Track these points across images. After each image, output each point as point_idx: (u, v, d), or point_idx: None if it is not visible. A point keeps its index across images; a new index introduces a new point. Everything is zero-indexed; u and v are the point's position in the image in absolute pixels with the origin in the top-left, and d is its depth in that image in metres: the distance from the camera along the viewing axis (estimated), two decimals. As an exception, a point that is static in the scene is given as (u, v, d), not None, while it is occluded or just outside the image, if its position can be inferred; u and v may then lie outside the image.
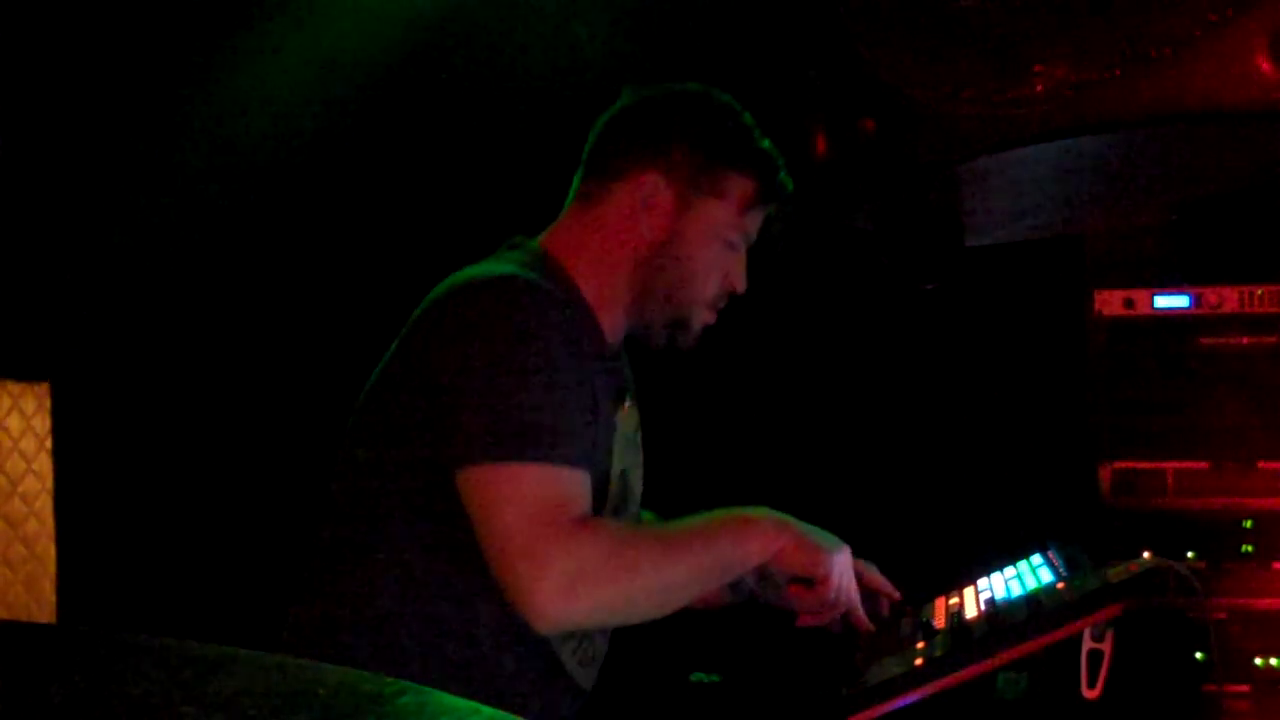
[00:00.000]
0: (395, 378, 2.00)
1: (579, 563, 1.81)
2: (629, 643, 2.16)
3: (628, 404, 2.17)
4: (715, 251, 2.12)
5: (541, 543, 1.81)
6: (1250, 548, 2.48)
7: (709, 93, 2.17)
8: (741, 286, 2.16)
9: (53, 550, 3.25)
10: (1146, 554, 2.03)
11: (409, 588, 1.94)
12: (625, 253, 2.09)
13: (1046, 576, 2.04)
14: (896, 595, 2.19)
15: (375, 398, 2.02)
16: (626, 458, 2.13)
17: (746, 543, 1.96)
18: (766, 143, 2.15)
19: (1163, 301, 2.57)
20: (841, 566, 2.02)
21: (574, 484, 1.89)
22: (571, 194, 2.16)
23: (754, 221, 2.16)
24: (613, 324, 2.12)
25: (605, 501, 2.03)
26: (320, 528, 2.04)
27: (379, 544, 1.96)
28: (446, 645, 1.93)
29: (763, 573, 2.15)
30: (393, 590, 1.95)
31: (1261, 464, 2.49)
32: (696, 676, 2.35)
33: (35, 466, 3.23)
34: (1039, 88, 2.25)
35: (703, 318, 2.15)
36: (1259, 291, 2.53)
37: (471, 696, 0.81)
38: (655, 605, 1.94)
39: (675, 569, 1.92)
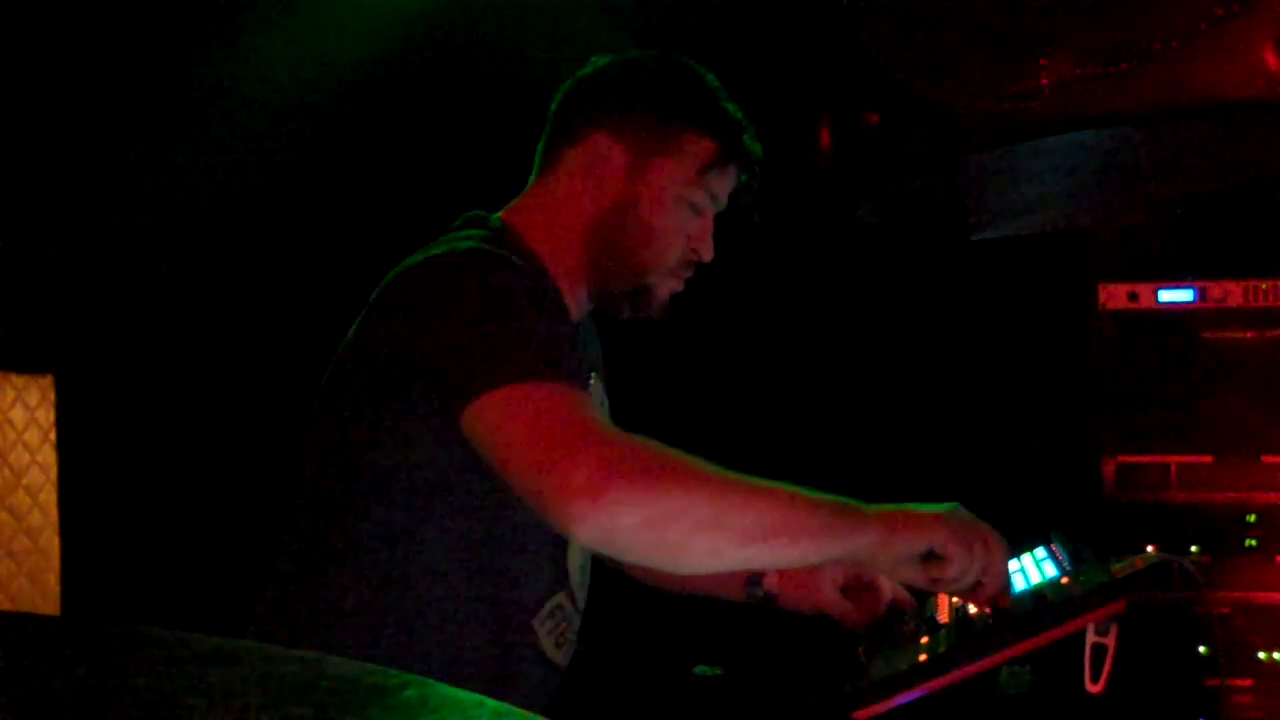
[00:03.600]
0: (351, 362, 1.92)
1: (615, 451, 1.65)
2: (632, 636, 2.16)
3: (593, 380, 2.10)
4: (674, 214, 2.02)
5: (568, 437, 1.65)
6: (1254, 542, 2.48)
7: (667, 55, 2.09)
8: (708, 255, 2.06)
9: (57, 542, 3.26)
10: (1150, 548, 2.03)
11: (378, 573, 1.87)
12: (579, 218, 2.02)
13: (1051, 571, 2.04)
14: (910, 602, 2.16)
15: (332, 389, 1.94)
16: None
17: (831, 519, 1.71)
18: (731, 106, 2.05)
19: (1167, 295, 2.56)
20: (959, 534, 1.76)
21: (583, 397, 1.76)
22: (535, 165, 2.10)
23: (718, 184, 2.04)
24: (575, 296, 2.03)
25: None
26: (285, 523, 1.97)
27: (346, 530, 1.89)
28: (420, 628, 1.85)
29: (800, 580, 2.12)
30: (364, 575, 1.87)
31: (1265, 458, 2.49)
32: (700, 670, 2.34)
33: (39, 458, 3.24)
34: (1044, 82, 2.25)
35: (667, 285, 2.05)
36: (1263, 285, 2.52)
37: (449, 679, 0.80)
38: (708, 540, 1.68)
39: (740, 499, 1.69)
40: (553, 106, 2.09)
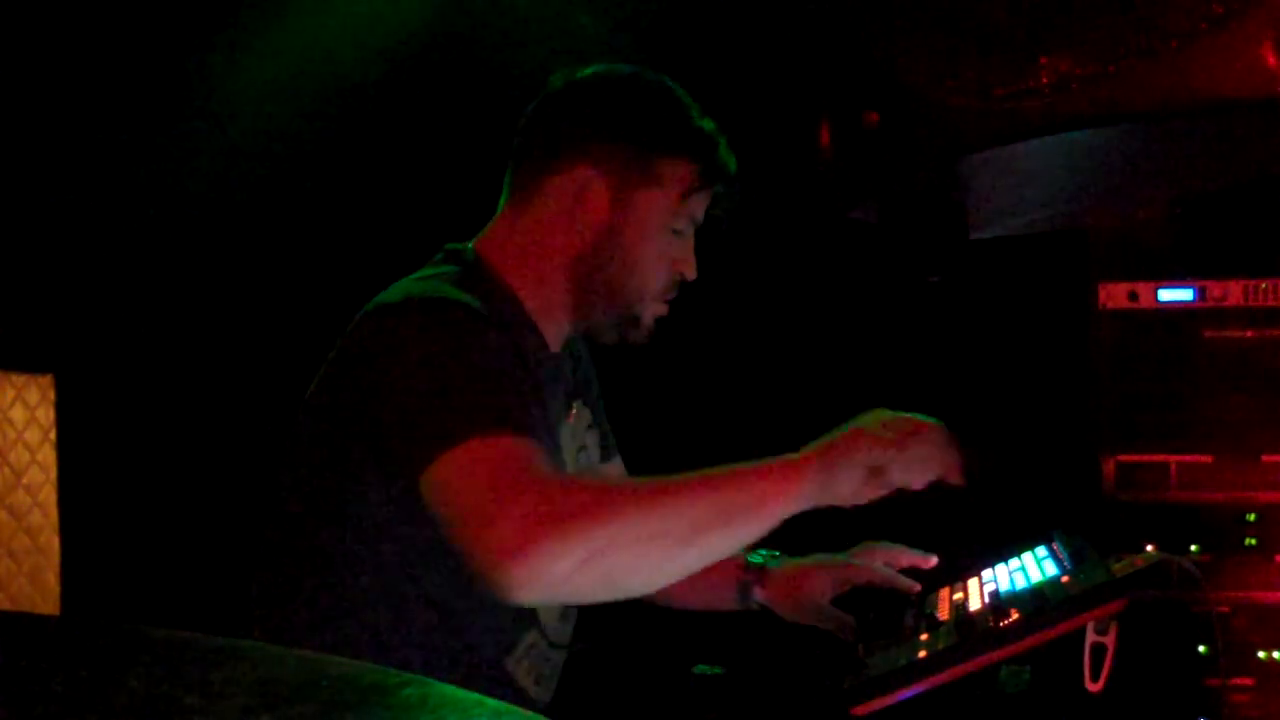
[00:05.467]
0: (324, 412, 1.91)
1: (537, 502, 1.61)
2: (632, 635, 2.16)
3: (575, 409, 2.10)
4: (659, 242, 2.00)
5: (493, 495, 1.63)
6: (1253, 541, 2.48)
7: (638, 74, 2.04)
8: (692, 274, 2.05)
9: (56, 542, 3.26)
10: (1150, 547, 2.03)
11: (346, 619, 1.85)
12: (562, 253, 1.99)
13: (1051, 569, 2.04)
14: (932, 560, 2.16)
15: (307, 433, 1.93)
16: (579, 464, 2.07)
17: (761, 483, 1.72)
18: (706, 122, 2.02)
19: (1167, 295, 2.56)
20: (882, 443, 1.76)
21: (532, 448, 1.70)
22: (504, 190, 2.06)
23: (698, 206, 2.03)
24: (556, 325, 2.02)
25: None
26: (257, 555, 1.95)
27: (314, 572, 1.88)
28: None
29: (796, 597, 2.12)
30: (330, 619, 1.86)
31: (1265, 457, 2.49)
32: (699, 669, 2.34)
33: (39, 458, 3.24)
34: (1044, 80, 2.25)
35: (652, 310, 2.04)
36: (1263, 285, 2.52)
37: None
38: (651, 562, 1.69)
39: (665, 510, 1.68)
40: (521, 129, 2.05)
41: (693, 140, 2.01)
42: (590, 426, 2.17)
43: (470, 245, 2.04)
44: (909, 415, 1.82)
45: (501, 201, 2.06)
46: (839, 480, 1.75)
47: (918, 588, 2.17)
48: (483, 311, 1.84)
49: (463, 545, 1.65)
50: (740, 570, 2.25)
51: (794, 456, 1.76)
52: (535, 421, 1.77)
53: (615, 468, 2.30)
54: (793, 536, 2.32)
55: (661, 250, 2.01)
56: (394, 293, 1.91)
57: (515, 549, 1.58)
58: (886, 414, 1.82)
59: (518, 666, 1.95)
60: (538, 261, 2.00)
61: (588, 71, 2.05)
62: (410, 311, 1.83)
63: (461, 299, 1.84)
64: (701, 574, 2.12)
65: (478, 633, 1.88)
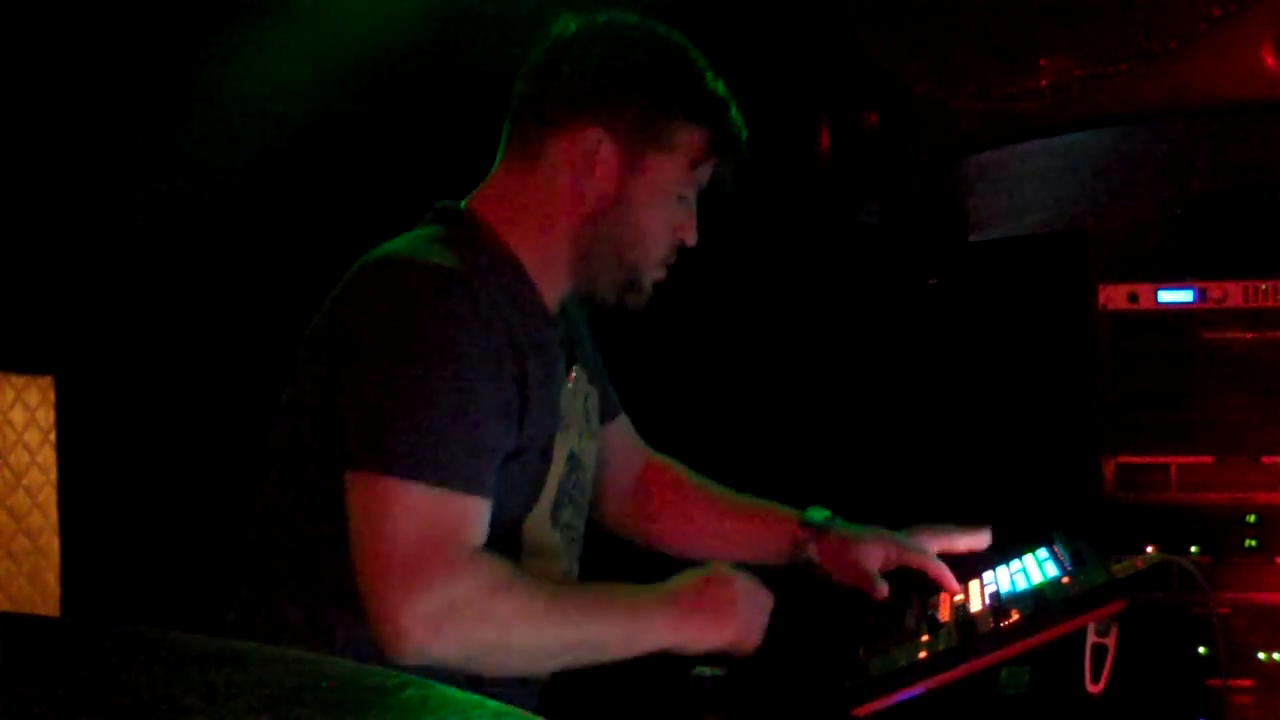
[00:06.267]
0: (300, 370, 1.91)
1: (452, 599, 1.69)
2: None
3: (574, 372, 2.04)
4: (666, 209, 1.97)
5: (418, 570, 1.68)
6: (1254, 542, 2.47)
7: (654, 28, 1.99)
8: (692, 240, 2.02)
9: (56, 543, 3.26)
10: (1150, 548, 2.03)
11: (319, 596, 1.85)
12: (566, 215, 1.93)
13: (1051, 570, 2.04)
14: (985, 539, 2.18)
15: (287, 395, 1.93)
16: (574, 435, 2.00)
17: (641, 630, 1.86)
18: (720, 85, 1.99)
19: (1167, 296, 2.56)
20: (742, 622, 1.94)
21: (468, 512, 1.74)
22: (502, 144, 1.99)
23: (705, 174, 2.01)
24: (553, 288, 1.97)
25: (543, 488, 1.91)
26: (246, 530, 1.96)
27: (294, 550, 1.88)
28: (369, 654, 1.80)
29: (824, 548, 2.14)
30: (304, 598, 1.86)
31: (1266, 458, 2.49)
32: (699, 670, 2.34)
33: (39, 459, 3.23)
34: (1044, 82, 2.25)
35: (653, 276, 2.02)
36: (1264, 286, 2.52)
37: None
38: (522, 665, 1.83)
39: (551, 633, 1.80)
40: (521, 83, 1.97)
41: (707, 107, 1.98)
42: (587, 395, 2.14)
43: (464, 204, 1.99)
44: (759, 592, 1.97)
45: (499, 156, 2.00)
46: (700, 644, 1.92)
47: (959, 592, 2.16)
48: (469, 276, 1.80)
49: (363, 581, 1.71)
50: (797, 527, 2.25)
51: (676, 604, 1.88)
52: (479, 466, 1.76)
53: (620, 425, 2.27)
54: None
55: (667, 216, 1.98)
56: (386, 253, 1.88)
57: (413, 634, 1.68)
58: (750, 587, 1.94)
59: None
60: (540, 222, 1.94)
61: (599, 21, 1.98)
62: (401, 285, 1.80)
63: (446, 264, 1.80)
64: (756, 526, 2.21)
65: None
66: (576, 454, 2.03)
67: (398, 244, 1.91)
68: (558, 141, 1.94)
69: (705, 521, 2.29)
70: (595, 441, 2.12)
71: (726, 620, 1.90)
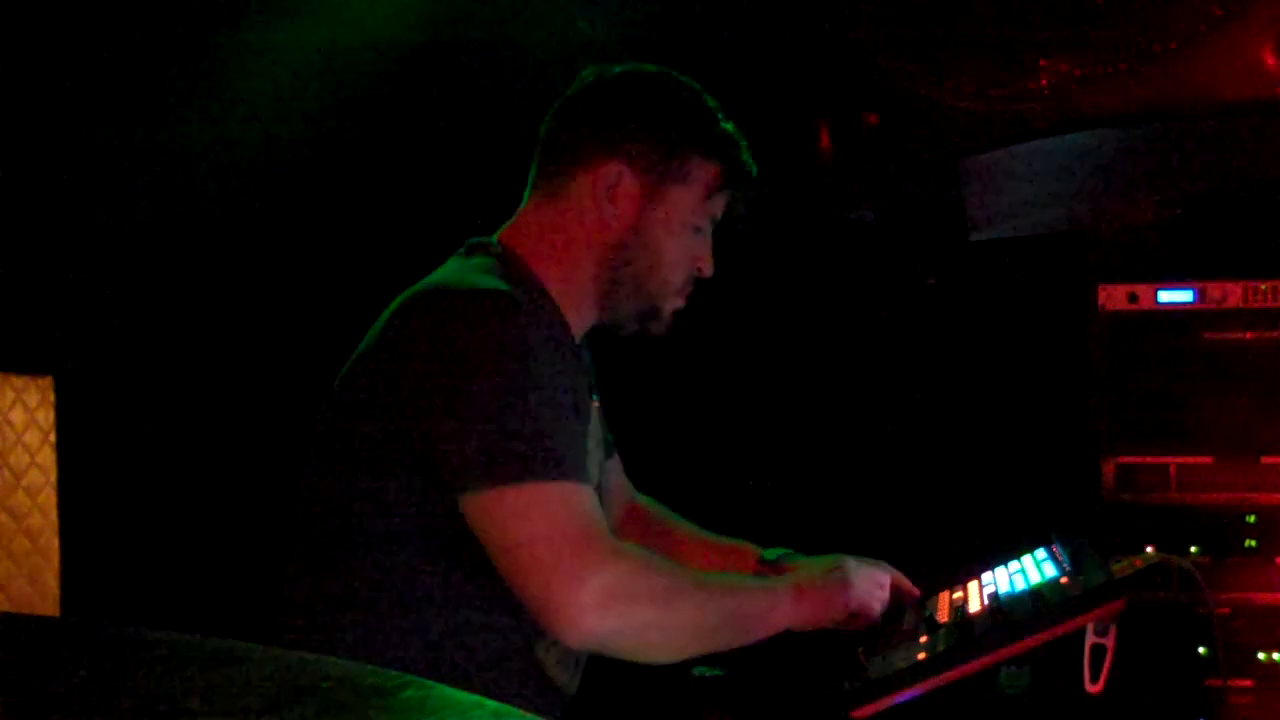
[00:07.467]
0: (360, 400, 1.92)
1: (616, 579, 1.78)
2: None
3: (596, 402, 2.15)
4: (683, 239, 2.07)
5: (576, 557, 1.77)
6: (1253, 542, 2.48)
7: (669, 75, 2.11)
8: (709, 270, 2.12)
9: (56, 543, 3.26)
10: (1150, 549, 2.03)
11: (374, 608, 1.88)
12: (591, 246, 2.04)
13: (1050, 571, 2.04)
14: (915, 593, 2.19)
15: (338, 420, 1.95)
16: (595, 464, 2.10)
17: (773, 607, 1.95)
18: (730, 125, 2.10)
19: (1166, 296, 2.56)
20: (859, 595, 2.05)
21: (588, 500, 1.84)
22: (529, 182, 2.10)
23: (719, 205, 2.12)
24: (579, 319, 2.07)
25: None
26: (289, 546, 1.97)
27: (342, 571, 1.90)
28: (422, 655, 1.87)
29: None
30: (363, 600, 1.89)
31: (1265, 459, 2.49)
32: (699, 671, 2.34)
33: (39, 460, 3.23)
34: (1043, 82, 2.25)
35: (673, 304, 2.11)
36: (1262, 286, 2.52)
37: None
38: (682, 641, 1.91)
39: (711, 607, 1.91)
40: (546, 126, 2.10)
41: (721, 141, 2.08)
42: (602, 420, 2.20)
43: (495, 238, 2.07)
44: (875, 570, 2.10)
45: (526, 195, 2.11)
46: (822, 621, 2.02)
47: (917, 593, 2.18)
48: (525, 304, 1.90)
49: (526, 589, 1.79)
50: (756, 563, 2.30)
51: (797, 585, 2.00)
52: (580, 456, 1.88)
53: (616, 464, 2.35)
54: (799, 534, 2.32)
55: (685, 246, 2.09)
56: (437, 282, 1.95)
57: (586, 615, 1.76)
58: (863, 568, 2.08)
59: (547, 655, 1.97)
60: (567, 253, 2.05)
61: (617, 70, 2.11)
62: (469, 307, 1.87)
63: (506, 290, 1.89)
64: (729, 560, 2.32)
65: (506, 619, 1.90)
66: (598, 474, 2.12)
67: (446, 275, 1.98)
68: (582, 176, 2.05)
69: (690, 558, 2.34)
70: (600, 475, 2.17)
71: (843, 597, 2.02)
